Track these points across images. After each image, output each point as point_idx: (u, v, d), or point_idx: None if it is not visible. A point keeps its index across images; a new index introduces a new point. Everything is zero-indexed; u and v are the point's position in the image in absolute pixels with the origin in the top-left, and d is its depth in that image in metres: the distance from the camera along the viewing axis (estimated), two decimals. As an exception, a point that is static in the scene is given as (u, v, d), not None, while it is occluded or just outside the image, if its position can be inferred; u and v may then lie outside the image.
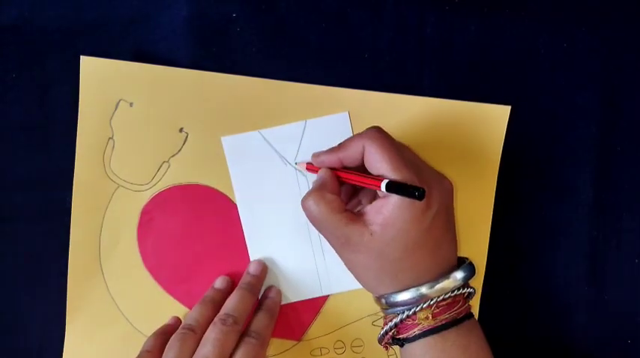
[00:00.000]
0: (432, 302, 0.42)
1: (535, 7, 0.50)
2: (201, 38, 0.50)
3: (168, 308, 0.51)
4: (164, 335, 0.48)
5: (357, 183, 0.44)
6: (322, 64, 0.50)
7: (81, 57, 0.50)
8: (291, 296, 0.51)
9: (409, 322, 0.42)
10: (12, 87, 0.51)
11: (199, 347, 0.44)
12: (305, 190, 0.49)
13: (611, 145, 0.50)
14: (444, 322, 0.42)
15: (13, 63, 0.51)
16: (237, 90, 0.50)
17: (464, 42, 0.50)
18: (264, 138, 0.51)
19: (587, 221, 0.50)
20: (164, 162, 0.51)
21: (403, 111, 0.50)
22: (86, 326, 0.51)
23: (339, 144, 0.45)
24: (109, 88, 0.50)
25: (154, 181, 0.51)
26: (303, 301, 0.51)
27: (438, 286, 0.42)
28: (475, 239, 0.50)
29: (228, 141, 0.51)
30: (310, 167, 0.47)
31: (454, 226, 0.45)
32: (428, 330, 0.42)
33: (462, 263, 0.44)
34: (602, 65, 0.50)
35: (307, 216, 0.44)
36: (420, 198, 0.39)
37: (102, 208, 0.51)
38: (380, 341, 0.45)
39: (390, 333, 0.44)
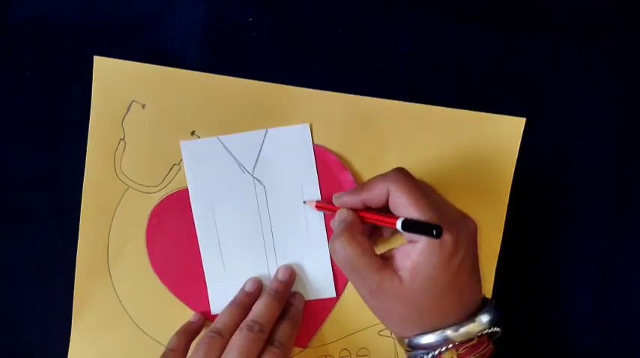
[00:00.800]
0: (456, 344, 0.41)
1: (553, 20, 0.49)
2: (216, 42, 0.50)
3: (174, 310, 0.51)
4: (187, 333, 0.49)
5: (377, 223, 0.43)
6: (337, 71, 0.50)
7: (94, 57, 0.50)
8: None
9: None
10: (24, 85, 0.51)
11: (225, 352, 0.45)
12: (262, 199, 0.50)
13: (627, 161, 0.50)
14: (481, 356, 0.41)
15: (26, 61, 0.51)
16: (250, 95, 0.50)
17: (481, 53, 0.49)
18: (224, 145, 0.50)
19: (600, 239, 0.50)
20: (175, 164, 0.51)
21: (418, 120, 0.50)
22: (92, 327, 0.51)
23: (363, 185, 0.44)
24: (121, 88, 0.50)
25: (164, 183, 0.51)
26: (309, 308, 0.51)
27: (463, 330, 0.41)
28: (485, 252, 0.50)
29: (186, 146, 0.50)
30: (320, 206, 0.48)
31: (479, 267, 0.44)
32: None
33: (485, 303, 0.44)
34: (619, 80, 0.49)
35: (336, 260, 0.43)
36: (438, 236, 0.39)
37: (111, 209, 0.51)
38: None
39: None
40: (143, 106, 0.50)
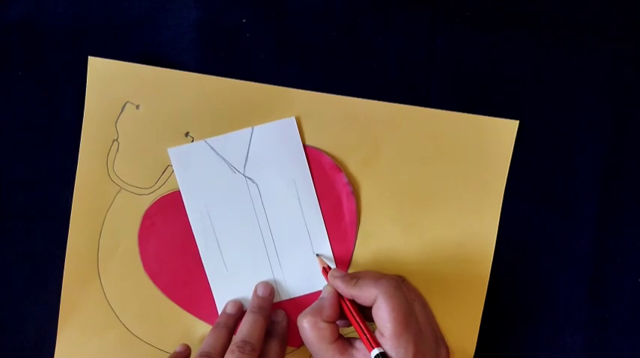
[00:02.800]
0: None
1: (546, 22, 0.50)
2: (210, 42, 0.50)
3: (168, 312, 0.51)
4: None
5: (352, 324, 0.45)
6: (331, 72, 0.50)
7: (88, 58, 0.50)
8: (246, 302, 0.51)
9: None
10: (17, 85, 0.51)
11: None
12: (256, 198, 0.50)
13: (617, 163, 0.50)
14: None
15: (19, 61, 0.51)
16: (244, 96, 0.50)
17: (474, 55, 0.50)
18: (211, 147, 0.50)
19: (590, 239, 0.50)
20: (168, 166, 0.50)
21: (411, 122, 0.50)
22: (79, 333, 0.50)
23: (357, 282, 0.45)
24: (115, 89, 0.50)
25: (157, 185, 0.51)
26: (302, 308, 0.50)
27: None
28: (480, 253, 0.50)
29: (174, 153, 0.50)
30: (324, 272, 0.48)
31: None
32: None
33: None
34: (611, 83, 0.50)
35: (300, 334, 0.46)
36: None
37: (103, 211, 0.51)
38: None
39: None
40: (137, 107, 0.50)
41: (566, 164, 0.50)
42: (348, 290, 0.45)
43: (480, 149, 0.50)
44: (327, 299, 0.46)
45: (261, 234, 0.50)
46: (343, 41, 0.50)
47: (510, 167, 0.50)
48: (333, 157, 0.50)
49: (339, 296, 0.46)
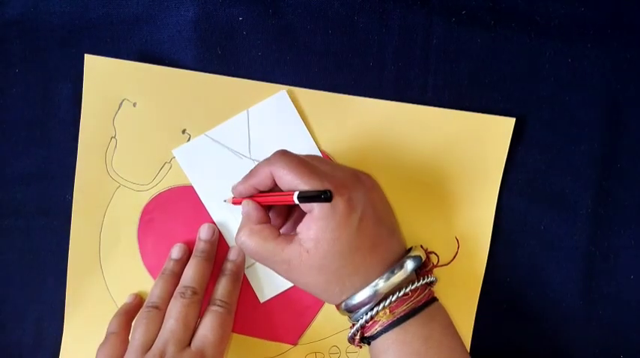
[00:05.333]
0: (391, 299, 0.43)
1: (542, 21, 0.49)
2: (207, 40, 0.50)
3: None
4: (126, 314, 0.50)
5: (273, 203, 0.45)
6: (327, 70, 0.50)
7: (85, 55, 0.50)
8: (284, 282, 0.51)
9: (370, 322, 0.43)
10: (15, 82, 0.51)
11: (164, 322, 0.46)
12: None
13: (612, 161, 0.50)
14: (402, 314, 0.43)
15: (17, 58, 0.51)
16: (240, 94, 0.50)
17: (469, 53, 0.49)
18: (213, 139, 0.50)
19: (584, 236, 0.50)
20: (166, 162, 0.51)
21: (408, 120, 0.50)
22: (84, 324, 0.52)
23: (250, 172, 0.45)
24: (112, 87, 0.50)
25: (155, 181, 0.51)
26: (299, 305, 0.51)
27: (391, 280, 0.43)
28: (474, 249, 0.50)
29: (179, 152, 0.51)
30: (236, 201, 0.48)
31: (389, 218, 0.47)
32: (388, 325, 0.43)
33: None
34: (606, 81, 0.50)
35: (246, 253, 0.46)
36: (328, 199, 0.41)
37: (103, 207, 0.51)
38: (350, 341, 0.46)
39: (357, 336, 0.45)
40: (134, 104, 0.51)
41: (561, 161, 0.50)
42: (248, 184, 0.45)
43: (475, 146, 0.50)
44: (245, 209, 0.46)
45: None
46: (339, 39, 0.50)
47: (506, 164, 0.50)
48: (328, 154, 0.50)
49: (254, 200, 0.46)
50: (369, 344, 0.45)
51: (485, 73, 0.50)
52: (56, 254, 0.52)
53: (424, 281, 0.44)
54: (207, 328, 0.45)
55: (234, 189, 0.47)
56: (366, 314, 0.43)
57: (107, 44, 0.50)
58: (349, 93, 0.50)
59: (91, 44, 0.50)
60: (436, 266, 0.50)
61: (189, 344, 0.45)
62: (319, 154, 0.50)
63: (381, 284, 0.43)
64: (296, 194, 0.41)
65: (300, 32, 0.50)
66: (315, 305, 0.52)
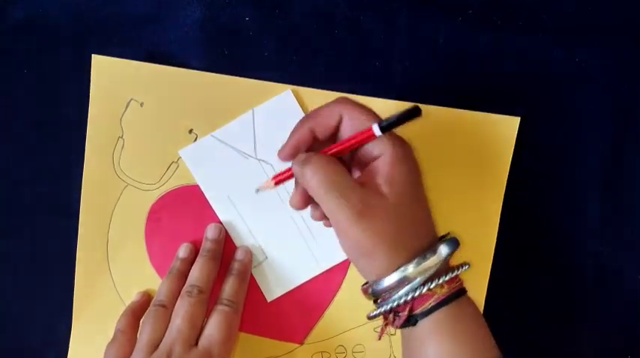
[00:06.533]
0: (450, 275, 0.39)
1: (548, 20, 0.49)
2: (214, 41, 0.50)
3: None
4: (134, 312, 0.50)
5: (350, 147, 0.40)
6: (334, 70, 0.50)
7: (92, 56, 0.50)
8: (292, 281, 0.51)
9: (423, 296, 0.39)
10: (23, 82, 0.52)
11: (171, 321, 0.46)
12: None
13: (619, 160, 0.50)
14: (457, 289, 0.40)
15: (25, 58, 0.52)
16: (247, 94, 0.50)
17: (476, 53, 0.49)
18: (219, 140, 0.51)
19: (592, 236, 0.50)
20: (173, 162, 0.51)
21: (413, 120, 0.50)
22: (93, 323, 0.52)
23: (306, 116, 0.42)
24: (120, 87, 0.51)
25: (162, 181, 0.51)
26: (306, 305, 0.52)
27: (424, 264, 0.38)
28: (481, 249, 0.50)
29: (185, 153, 0.51)
30: (276, 178, 0.43)
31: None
32: (444, 299, 0.39)
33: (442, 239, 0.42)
34: (613, 80, 0.49)
35: (312, 185, 0.39)
36: (419, 113, 0.39)
37: (110, 206, 0.52)
38: (390, 321, 0.40)
39: (405, 312, 0.39)
40: (141, 104, 0.51)
41: (567, 160, 0.50)
42: (306, 125, 0.41)
43: (481, 146, 0.50)
44: (308, 154, 0.41)
45: (290, 213, 0.51)
46: (346, 39, 0.50)
47: (512, 163, 0.50)
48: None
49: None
50: (413, 324, 0.40)
51: (491, 71, 0.50)
52: (64, 253, 0.52)
53: (458, 272, 0.40)
54: (214, 327, 0.45)
55: (285, 145, 0.42)
56: (423, 286, 0.38)
57: (114, 44, 0.51)
58: (355, 94, 0.50)
59: (99, 44, 0.51)
60: None
61: (197, 343, 0.45)
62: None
63: (418, 265, 0.38)
64: (376, 125, 0.38)
65: (306, 32, 0.50)
66: (321, 305, 0.52)
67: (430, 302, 0.39)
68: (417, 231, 0.40)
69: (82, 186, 0.51)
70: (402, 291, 0.39)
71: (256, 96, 0.50)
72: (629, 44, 0.49)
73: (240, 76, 0.50)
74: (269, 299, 0.52)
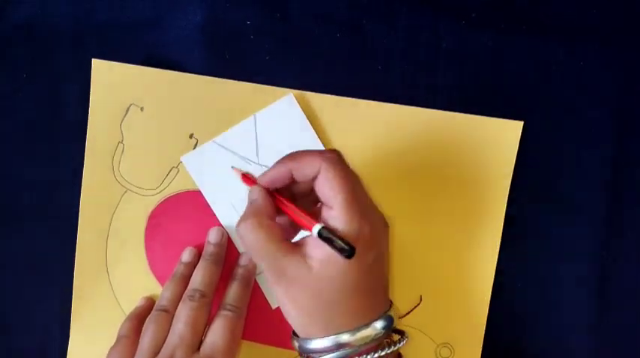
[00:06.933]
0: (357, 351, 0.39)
1: (551, 24, 0.49)
2: (214, 44, 0.50)
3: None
4: (138, 317, 0.49)
5: (293, 218, 0.41)
6: (335, 74, 0.50)
7: (92, 60, 0.50)
8: None
9: None
10: (22, 86, 0.51)
11: (172, 325, 0.45)
12: None
13: (622, 164, 0.50)
14: None
15: (24, 62, 0.51)
16: (248, 98, 0.50)
17: (478, 56, 0.49)
18: (221, 146, 0.50)
19: (596, 240, 0.50)
20: (173, 167, 0.51)
21: (415, 124, 0.50)
22: (91, 329, 0.52)
23: (291, 155, 0.41)
24: (119, 91, 0.50)
25: (162, 186, 0.51)
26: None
27: (359, 334, 0.39)
28: (483, 254, 0.50)
29: (187, 159, 0.50)
30: (246, 177, 0.45)
31: (388, 268, 0.43)
32: None
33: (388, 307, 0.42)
34: (616, 83, 0.49)
35: (242, 243, 0.41)
36: (349, 257, 0.37)
37: (110, 212, 0.51)
38: None
39: None
40: (142, 109, 0.50)
41: (570, 165, 0.50)
42: (286, 166, 0.40)
43: (484, 150, 0.50)
44: (257, 199, 0.41)
45: None
46: (347, 43, 0.50)
47: (514, 168, 0.49)
48: (337, 158, 0.50)
49: (268, 193, 0.41)
50: None
51: (493, 75, 0.49)
52: (62, 259, 0.51)
53: (395, 348, 0.41)
54: (216, 333, 0.45)
55: (264, 174, 0.42)
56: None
57: (114, 48, 0.50)
58: (357, 97, 0.50)
59: (99, 48, 0.50)
60: (402, 316, 0.50)
61: (198, 348, 0.44)
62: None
63: (354, 335, 0.39)
64: (317, 228, 0.38)
65: (307, 35, 0.50)
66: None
67: None
68: (346, 314, 0.39)
69: (82, 191, 0.51)
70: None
71: (257, 100, 0.50)
72: (632, 46, 0.49)
73: (241, 79, 0.50)
74: (273, 307, 0.51)
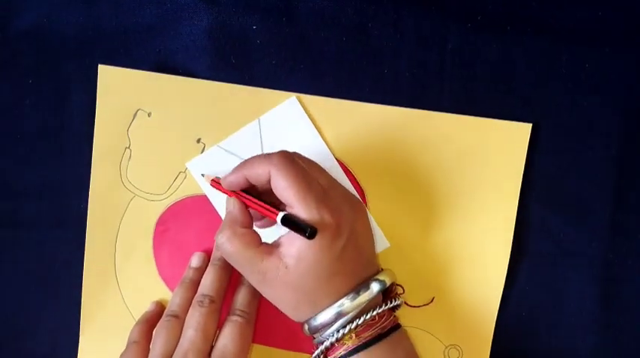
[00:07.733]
0: (358, 322, 0.42)
1: (558, 25, 0.49)
2: (221, 49, 0.50)
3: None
4: (148, 322, 0.49)
5: (259, 212, 0.43)
6: (342, 78, 0.50)
7: (99, 66, 0.50)
8: None
9: (336, 345, 0.43)
10: (29, 93, 0.51)
11: (183, 331, 0.45)
12: None
13: (630, 167, 0.49)
14: (368, 339, 0.42)
15: (30, 69, 0.51)
16: (255, 102, 0.50)
17: (485, 59, 0.49)
18: (226, 150, 0.50)
19: (603, 243, 0.50)
20: (180, 172, 0.51)
21: (423, 127, 0.50)
22: (100, 335, 0.52)
23: (245, 162, 0.44)
24: (126, 97, 0.50)
25: (170, 191, 0.51)
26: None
27: (356, 301, 0.42)
28: (495, 258, 0.50)
29: (193, 165, 0.50)
30: (215, 183, 0.46)
31: (370, 248, 0.46)
32: (353, 349, 0.42)
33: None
34: (623, 85, 0.49)
35: (222, 254, 0.45)
36: (310, 237, 0.40)
37: (118, 217, 0.51)
38: None
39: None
40: (149, 114, 0.51)
41: (579, 167, 0.50)
42: (241, 173, 0.43)
43: (493, 153, 0.50)
44: (231, 210, 0.44)
45: None
46: (354, 46, 0.49)
47: (524, 170, 0.49)
48: (343, 162, 0.50)
49: (240, 201, 0.44)
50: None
51: (501, 78, 0.49)
52: (71, 265, 0.51)
53: (391, 305, 0.44)
54: (227, 338, 0.45)
55: (224, 179, 0.45)
56: (332, 336, 0.43)
57: (121, 54, 0.50)
58: (364, 101, 0.50)
59: (105, 54, 0.50)
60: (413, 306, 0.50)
61: (209, 354, 0.44)
62: (334, 163, 0.50)
63: (347, 304, 0.42)
64: (281, 215, 0.41)
65: (314, 40, 0.50)
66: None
67: (340, 352, 0.43)
68: (329, 295, 0.43)
69: (89, 197, 0.51)
70: (329, 331, 0.43)
71: (264, 104, 0.50)
72: (637, 48, 0.49)
73: (248, 84, 0.50)
74: None
